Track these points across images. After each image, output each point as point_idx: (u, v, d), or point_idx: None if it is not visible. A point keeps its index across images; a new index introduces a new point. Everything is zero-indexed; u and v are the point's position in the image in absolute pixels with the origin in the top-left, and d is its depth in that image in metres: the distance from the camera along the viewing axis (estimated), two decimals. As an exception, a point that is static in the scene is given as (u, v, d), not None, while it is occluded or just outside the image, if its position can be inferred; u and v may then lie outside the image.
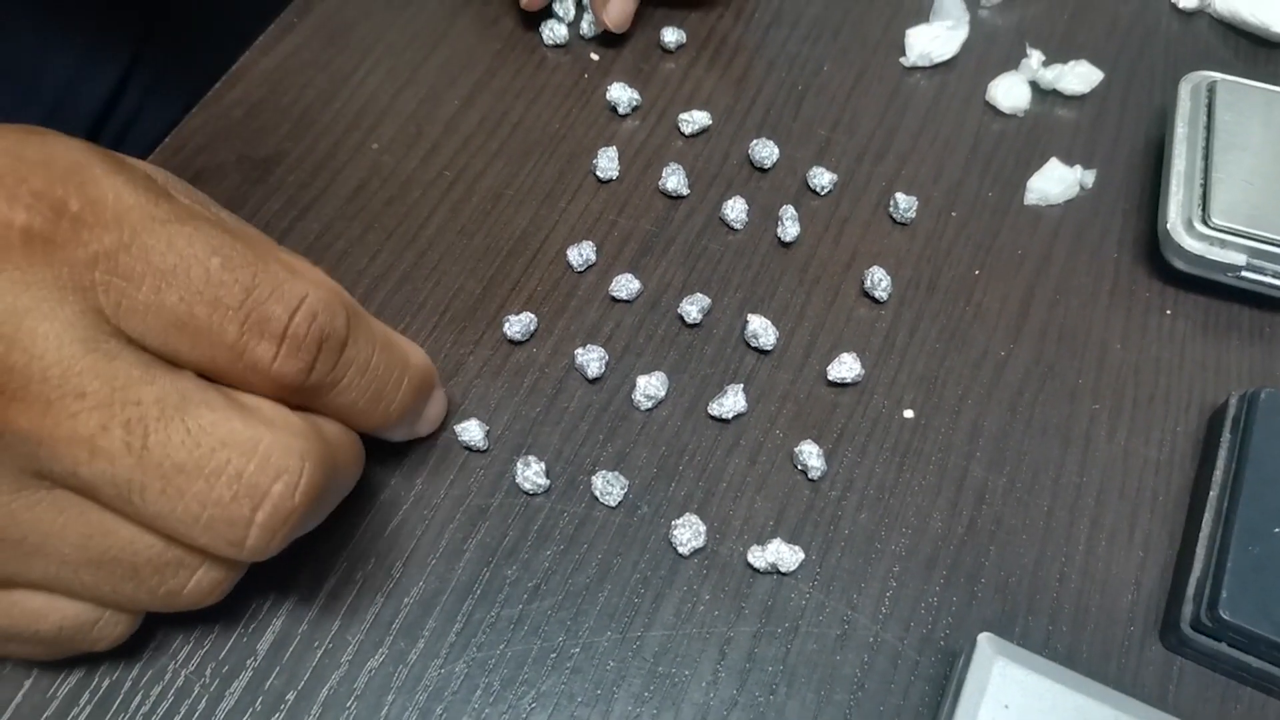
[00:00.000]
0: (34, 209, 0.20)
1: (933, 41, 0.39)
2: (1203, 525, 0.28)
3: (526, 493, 0.30)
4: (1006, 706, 0.24)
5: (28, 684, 0.27)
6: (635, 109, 0.38)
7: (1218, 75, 0.36)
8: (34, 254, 0.20)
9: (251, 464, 0.21)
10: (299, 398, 0.23)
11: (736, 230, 0.35)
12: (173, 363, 0.22)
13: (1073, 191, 0.36)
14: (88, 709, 0.26)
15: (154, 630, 0.27)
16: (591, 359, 0.32)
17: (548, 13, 0.41)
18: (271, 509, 0.22)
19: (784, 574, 0.29)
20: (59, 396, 0.20)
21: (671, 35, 0.40)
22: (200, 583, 0.23)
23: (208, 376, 0.22)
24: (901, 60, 0.40)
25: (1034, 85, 0.39)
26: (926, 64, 0.40)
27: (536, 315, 0.33)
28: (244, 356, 0.22)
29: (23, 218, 0.20)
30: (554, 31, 0.40)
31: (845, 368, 0.32)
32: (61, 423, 0.20)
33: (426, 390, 0.28)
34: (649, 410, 0.31)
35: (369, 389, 0.25)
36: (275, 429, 0.22)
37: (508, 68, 0.39)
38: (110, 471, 0.21)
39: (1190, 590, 0.27)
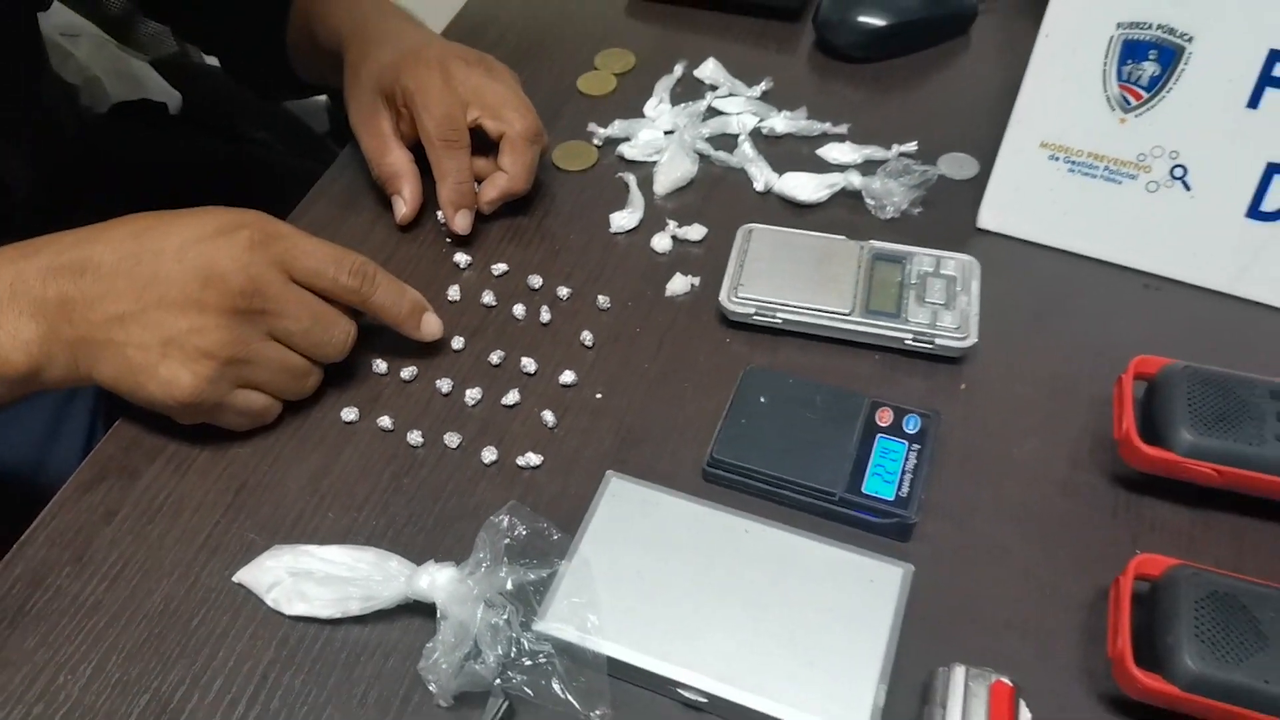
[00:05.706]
0: (254, 234, 0.57)
1: (624, 220, 0.76)
2: (719, 424, 0.62)
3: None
4: (615, 495, 0.57)
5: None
6: (469, 265, 0.74)
7: (756, 225, 0.73)
8: (255, 245, 0.56)
9: (344, 324, 0.61)
10: (356, 299, 0.61)
11: (520, 320, 0.70)
12: (307, 289, 0.59)
13: (688, 289, 0.72)
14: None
15: (267, 435, 0.59)
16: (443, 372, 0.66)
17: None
18: (349, 341, 0.61)
19: (535, 467, 0.62)
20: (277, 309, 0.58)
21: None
22: (314, 380, 0.62)
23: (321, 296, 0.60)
24: (609, 229, 0.76)
25: (674, 238, 0.75)
26: (621, 231, 0.76)
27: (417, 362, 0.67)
28: (336, 282, 0.59)
29: (250, 236, 0.56)
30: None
31: (570, 377, 0.66)
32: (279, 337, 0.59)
33: (419, 309, 0.65)
34: (473, 406, 0.65)
35: (388, 299, 0.62)
36: (347, 316, 0.61)
37: (403, 252, 0.75)
38: (300, 328, 0.58)
39: (709, 449, 0.61)
